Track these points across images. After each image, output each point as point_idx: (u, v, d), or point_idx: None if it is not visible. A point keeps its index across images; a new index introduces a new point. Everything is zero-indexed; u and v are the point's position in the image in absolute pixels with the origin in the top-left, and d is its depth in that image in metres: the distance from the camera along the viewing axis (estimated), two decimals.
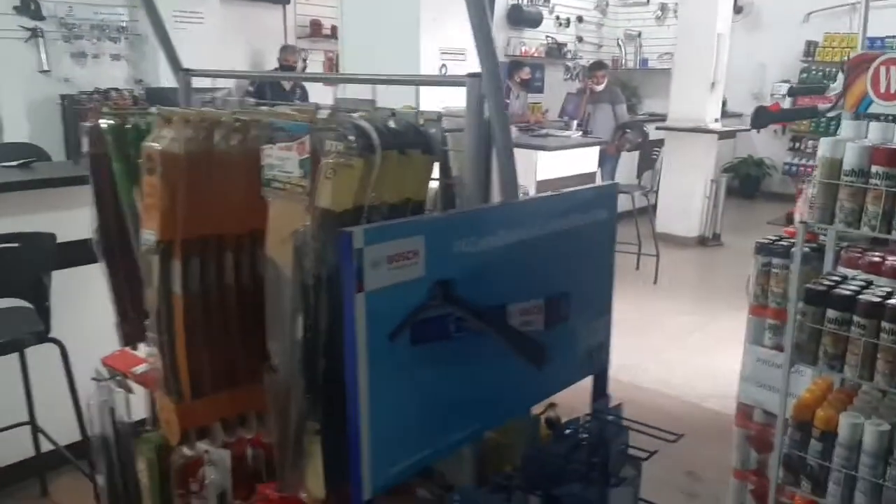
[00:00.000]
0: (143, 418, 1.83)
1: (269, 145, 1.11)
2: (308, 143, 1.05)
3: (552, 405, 1.49)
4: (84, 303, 3.06)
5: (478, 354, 1.15)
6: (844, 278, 2.27)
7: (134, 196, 1.45)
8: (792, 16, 9.34)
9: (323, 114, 1.47)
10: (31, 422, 3.00)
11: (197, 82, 1.97)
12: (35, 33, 5.76)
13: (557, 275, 1.29)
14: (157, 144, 1.19)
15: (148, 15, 1.75)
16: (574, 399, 1.53)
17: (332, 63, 8.34)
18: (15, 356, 2.73)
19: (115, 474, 1.77)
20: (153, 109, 1.48)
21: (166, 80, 6.20)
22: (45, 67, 5.86)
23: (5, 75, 5.72)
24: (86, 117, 5.30)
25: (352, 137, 1.10)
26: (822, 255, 2.55)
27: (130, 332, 1.67)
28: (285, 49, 7.37)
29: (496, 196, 1.32)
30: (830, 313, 2.11)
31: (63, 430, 2.88)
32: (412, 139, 1.18)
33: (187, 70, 1.81)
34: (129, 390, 1.73)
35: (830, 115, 4.99)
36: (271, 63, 7.46)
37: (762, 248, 2.79)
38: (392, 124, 1.19)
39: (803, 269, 2.46)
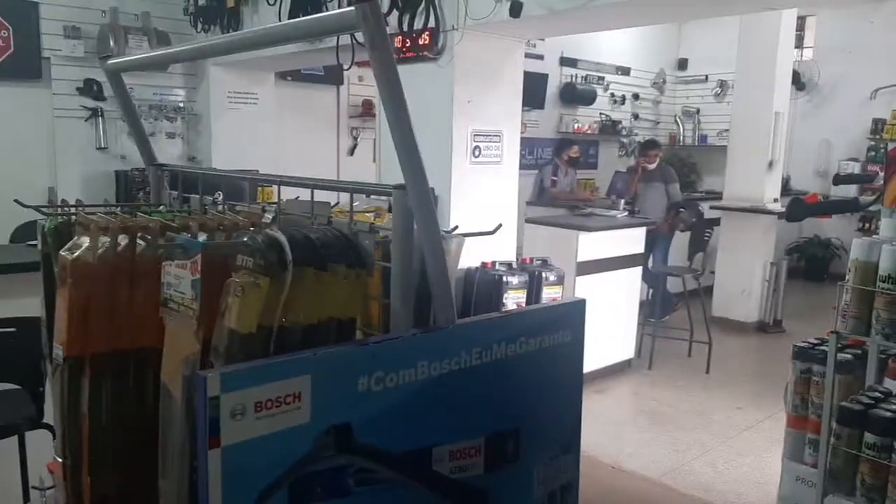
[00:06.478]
0: None
1: (168, 262, 1.00)
2: (199, 263, 0.94)
3: None
4: None
5: None
6: (888, 395, 2.00)
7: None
8: (858, 93, 9.00)
9: (268, 217, 1.39)
10: None
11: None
12: (95, 113, 6.04)
13: (504, 408, 1.11)
14: (69, 253, 1.11)
15: (122, 108, 1.72)
16: None
17: None
18: (13, 440, 2.68)
19: None
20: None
21: (217, 157, 6.39)
22: (103, 144, 6.11)
23: (65, 152, 6.00)
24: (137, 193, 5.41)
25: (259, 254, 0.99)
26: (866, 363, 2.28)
27: None
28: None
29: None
30: (869, 437, 1.84)
31: None
32: (337, 253, 1.05)
33: (160, 165, 1.75)
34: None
35: (872, 209, 4.66)
36: (327, 139, 7.58)
37: (801, 353, 2.53)
38: (314, 235, 1.07)
39: (843, 380, 2.19)
